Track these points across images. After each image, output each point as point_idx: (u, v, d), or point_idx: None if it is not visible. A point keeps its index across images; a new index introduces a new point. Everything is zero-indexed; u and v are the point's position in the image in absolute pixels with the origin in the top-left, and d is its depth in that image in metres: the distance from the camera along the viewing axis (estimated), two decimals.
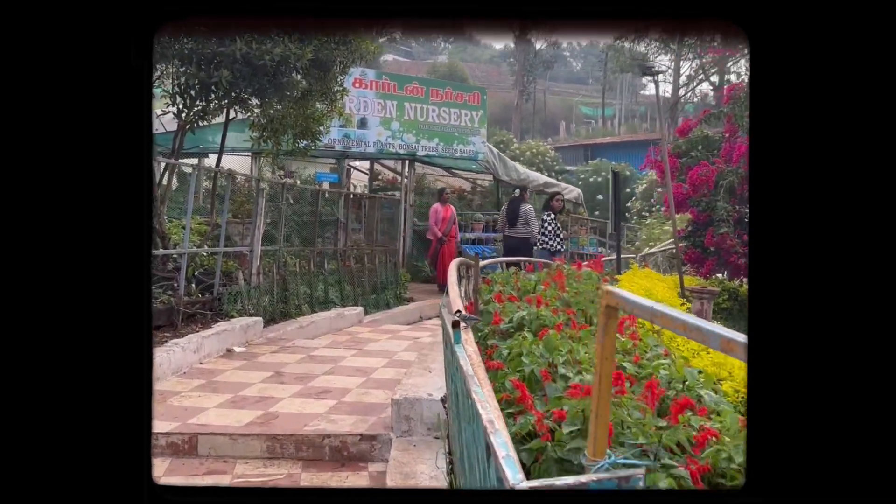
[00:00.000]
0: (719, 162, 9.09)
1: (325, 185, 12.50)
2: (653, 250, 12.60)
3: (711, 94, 33.41)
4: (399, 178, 15.13)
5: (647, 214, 25.64)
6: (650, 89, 66.80)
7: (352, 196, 11.26)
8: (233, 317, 7.06)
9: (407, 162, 13.27)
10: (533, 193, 14.85)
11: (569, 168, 30.58)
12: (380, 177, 16.00)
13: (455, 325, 2.92)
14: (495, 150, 14.34)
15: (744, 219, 8.80)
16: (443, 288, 10.88)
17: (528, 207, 10.25)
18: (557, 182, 15.16)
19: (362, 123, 12.64)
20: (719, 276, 9.89)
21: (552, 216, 10.09)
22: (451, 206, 11.68)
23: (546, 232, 9.99)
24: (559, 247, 10.06)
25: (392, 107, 12.89)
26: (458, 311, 3.07)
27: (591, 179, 27.97)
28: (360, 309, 9.06)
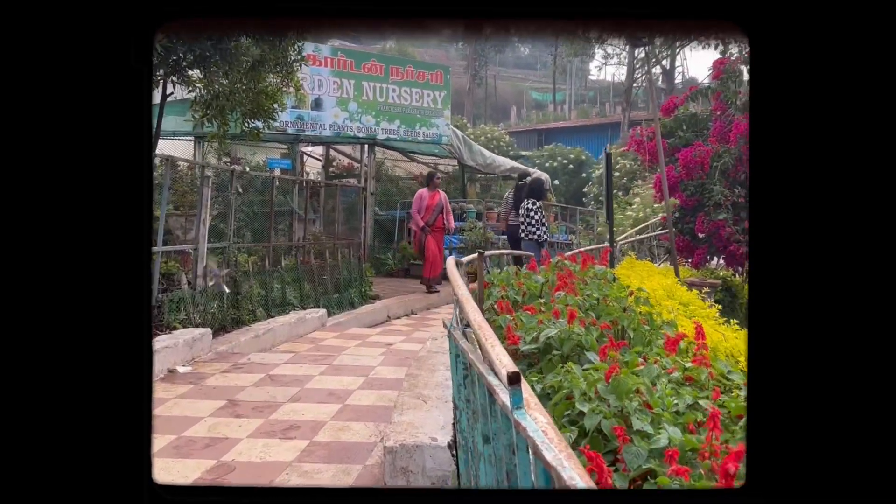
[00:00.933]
0: (713, 142, 8.24)
1: (277, 173, 11.30)
2: (628, 238, 11.75)
3: (660, 78, 32.98)
4: (355, 165, 13.96)
5: (603, 199, 25.01)
6: (599, 74, 66.47)
7: (308, 184, 10.06)
8: (175, 328, 5.89)
9: (366, 146, 12.12)
10: (499, 179, 13.87)
11: (524, 153, 29.74)
12: (335, 163, 14.78)
13: (515, 380, 1.87)
14: (460, 132, 13.30)
15: (742, 203, 7.98)
16: (430, 284, 9.65)
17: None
18: (524, 167, 14.19)
19: (317, 104, 11.45)
20: (712, 265, 9.07)
21: (537, 204, 9.12)
22: (441, 193, 10.36)
23: (533, 221, 9.02)
24: (546, 237, 9.12)
25: (349, 86, 11.71)
26: (515, 371, 1.95)
27: (546, 164, 27.15)
28: (322, 311, 7.94)
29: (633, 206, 19.45)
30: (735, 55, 8.72)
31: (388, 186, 12.76)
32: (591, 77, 53.69)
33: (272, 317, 7.35)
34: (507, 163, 13.79)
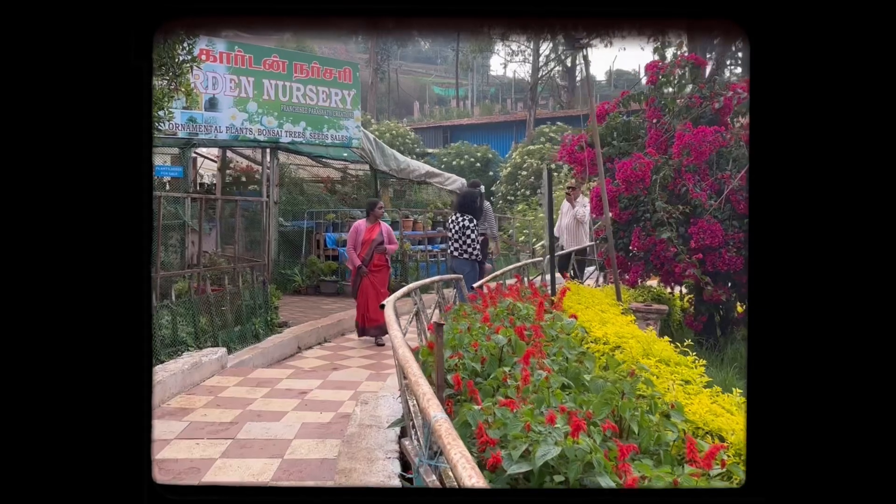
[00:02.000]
0: (651, 152, 7.57)
1: (166, 181, 9.87)
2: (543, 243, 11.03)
3: (558, 76, 32.86)
4: (254, 167, 12.61)
5: (513, 199, 24.45)
6: (500, 70, 66.54)
7: (203, 198, 8.72)
8: None
9: (268, 150, 10.83)
10: (413, 185, 12.89)
11: (430, 150, 28.84)
12: (232, 164, 13.34)
13: None
14: (371, 135, 12.19)
15: (682, 220, 7.35)
16: (363, 333, 8.01)
17: (488, 204, 9.39)
18: (440, 171, 13.28)
19: (211, 104, 10.07)
20: (653, 284, 8.44)
21: (474, 221, 8.20)
22: (383, 225, 8.32)
23: (469, 240, 8.10)
24: (481, 255, 8.24)
25: (248, 84, 10.39)
26: None
27: (453, 162, 26.36)
28: (221, 351, 6.72)
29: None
30: (669, 59, 8.05)
31: (293, 194, 11.51)
32: (491, 73, 53.49)
33: (161, 362, 6.08)
34: (423, 167, 12.82)
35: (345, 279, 10.56)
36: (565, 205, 9.82)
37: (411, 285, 5.92)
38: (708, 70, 8.54)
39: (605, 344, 4.47)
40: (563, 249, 9.89)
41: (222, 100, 10.18)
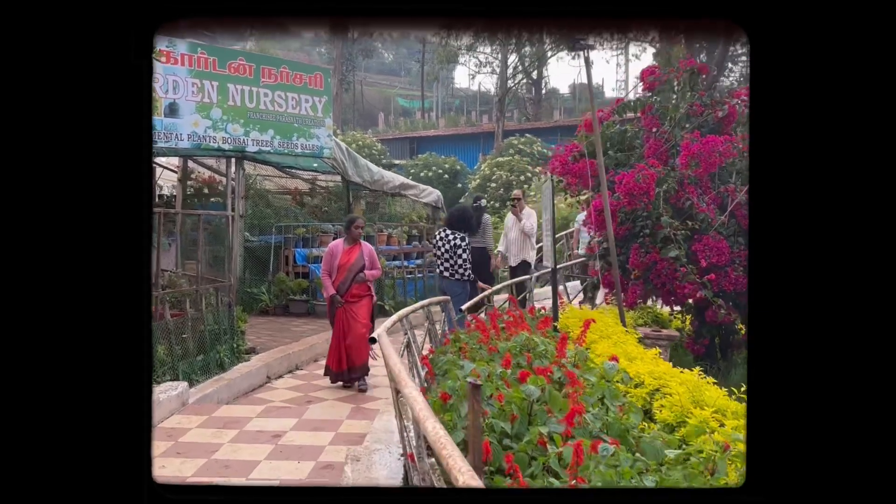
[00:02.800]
0: (655, 163, 6.95)
1: None
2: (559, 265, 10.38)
3: (524, 89, 32.45)
4: (218, 178, 11.71)
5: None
6: (464, 82, 66.11)
7: (161, 212, 7.84)
8: None
9: (234, 160, 9.96)
10: (387, 198, 12.12)
11: (397, 161, 28.08)
12: (193, 175, 12.40)
13: None
14: (343, 144, 11.40)
15: (689, 235, 6.73)
16: (337, 378, 6.52)
17: (488, 217, 9.26)
18: (415, 183, 12.53)
19: (172, 110, 9.18)
20: (654, 305, 7.80)
21: (463, 238, 7.51)
22: (364, 246, 6.83)
23: (462, 258, 7.41)
24: (474, 274, 7.58)
25: (212, 89, 9.52)
26: None
27: (421, 174, 25.63)
28: (181, 385, 5.86)
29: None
30: (662, 64, 7.45)
31: (259, 207, 10.63)
32: (456, 85, 53.06)
33: None
34: (397, 178, 12.05)
35: (316, 298, 9.73)
36: (510, 218, 9.33)
37: (401, 312, 5.16)
38: (707, 76, 7.98)
39: (640, 386, 3.78)
40: (509, 265, 9.40)
41: (184, 105, 9.30)
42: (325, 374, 6.83)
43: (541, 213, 8.32)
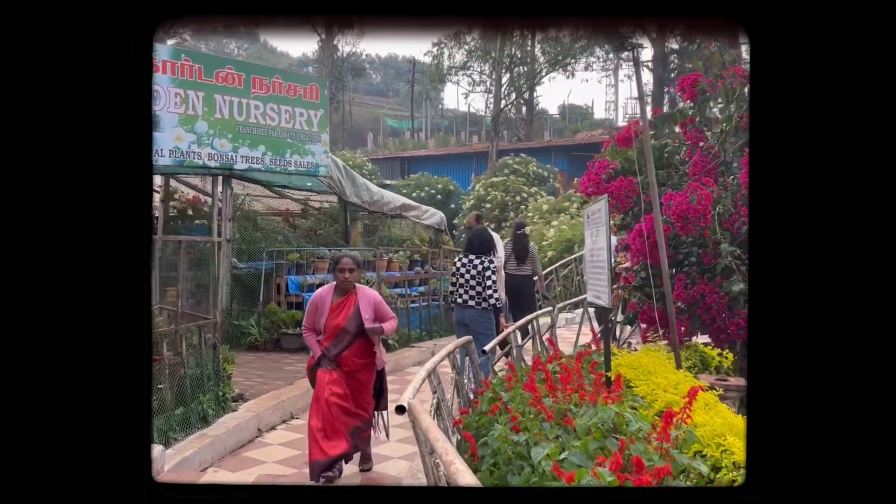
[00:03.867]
0: (708, 181, 5.99)
1: None
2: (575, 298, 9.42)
3: (514, 109, 31.68)
4: (203, 198, 10.61)
5: None
6: (452, 103, 65.60)
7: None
8: None
9: (220, 179, 8.88)
10: (386, 219, 11.08)
11: (388, 181, 27.10)
12: (177, 195, 11.29)
13: None
14: (340, 162, 10.37)
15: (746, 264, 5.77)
16: (325, 470, 4.39)
17: (534, 245, 9.13)
18: (417, 204, 11.52)
19: (153, 124, 8.09)
20: (703, 342, 6.77)
21: (490, 260, 6.57)
22: (362, 294, 4.81)
23: (491, 280, 6.48)
24: (500, 300, 6.67)
25: (197, 100, 8.46)
26: None
27: (413, 194, 24.61)
28: (156, 450, 4.75)
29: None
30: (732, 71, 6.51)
31: (248, 230, 9.53)
32: (445, 106, 52.37)
33: None
34: (398, 199, 11.01)
35: None
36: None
37: (427, 367, 4.11)
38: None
39: None
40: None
41: (165, 118, 8.22)
42: (311, 475, 4.52)
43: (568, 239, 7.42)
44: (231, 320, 8.70)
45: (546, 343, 6.31)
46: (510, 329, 6.38)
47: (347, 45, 37.26)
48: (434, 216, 11.48)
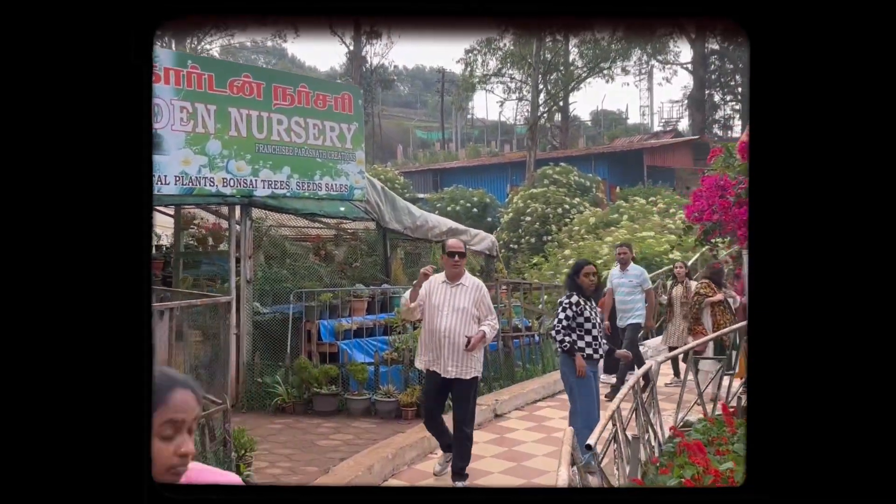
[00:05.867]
0: None
1: None
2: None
3: (546, 116, 29.91)
4: (225, 225, 9.05)
5: (516, 248, 21.05)
6: (481, 113, 64.31)
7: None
8: None
9: (238, 207, 7.32)
10: (430, 246, 9.41)
11: (420, 195, 25.52)
12: (196, 223, 9.77)
13: None
14: (378, 183, 8.76)
15: None
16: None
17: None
18: (465, 227, 9.89)
19: (154, 144, 6.54)
20: None
21: (569, 295, 5.10)
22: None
23: (559, 317, 5.08)
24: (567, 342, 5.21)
25: (208, 115, 6.90)
26: None
27: (448, 208, 23.02)
28: None
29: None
30: None
31: (273, 267, 7.93)
32: (477, 116, 50.86)
33: None
34: (444, 223, 9.35)
35: (349, 390, 7.00)
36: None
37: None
38: None
39: None
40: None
41: (169, 137, 6.68)
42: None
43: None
44: (254, 377, 7.10)
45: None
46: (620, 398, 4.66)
47: (376, 55, 35.91)
48: (485, 241, 9.81)
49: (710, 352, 7.18)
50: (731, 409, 5.98)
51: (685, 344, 7.68)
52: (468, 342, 4.65)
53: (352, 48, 32.42)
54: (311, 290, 7.51)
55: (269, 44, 37.84)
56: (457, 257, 4.84)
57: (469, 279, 4.91)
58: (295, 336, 7.39)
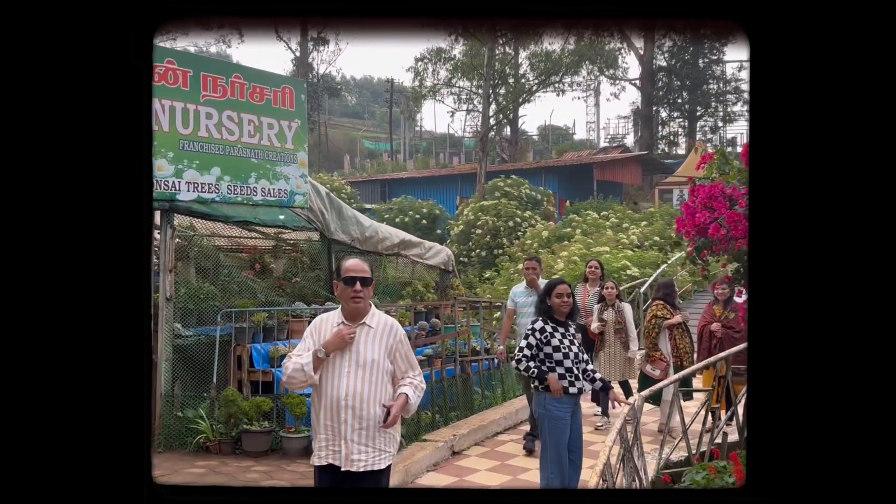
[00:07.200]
0: None
1: None
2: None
3: (495, 130, 29.40)
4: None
5: (466, 261, 20.23)
6: (430, 125, 63.52)
7: None
8: None
9: (158, 214, 6.24)
10: (380, 259, 8.47)
11: (368, 206, 24.53)
12: None
13: None
14: (323, 189, 7.77)
15: None
16: None
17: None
18: (419, 240, 8.98)
19: None
20: None
21: (538, 325, 4.20)
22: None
23: (520, 345, 4.23)
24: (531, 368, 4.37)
25: None
26: None
27: (396, 220, 22.08)
28: None
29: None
30: None
31: (198, 281, 6.84)
32: (424, 127, 50.11)
33: None
34: (396, 234, 8.40)
35: (285, 426, 5.99)
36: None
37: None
38: None
39: None
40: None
41: None
42: None
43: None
44: (172, 410, 6.01)
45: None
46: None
47: (323, 62, 34.76)
48: (440, 254, 8.93)
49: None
50: (713, 449, 5.26)
51: (624, 377, 6.86)
52: (386, 413, 2.94)
53: (298, 54, 31.23)
54: (242, 308, 6.46)
55: (213, 49, 36.25)
56: (358, 284, 3.06)
57: (378, 318, 3.16)
58: (222, 362, 6.32)
